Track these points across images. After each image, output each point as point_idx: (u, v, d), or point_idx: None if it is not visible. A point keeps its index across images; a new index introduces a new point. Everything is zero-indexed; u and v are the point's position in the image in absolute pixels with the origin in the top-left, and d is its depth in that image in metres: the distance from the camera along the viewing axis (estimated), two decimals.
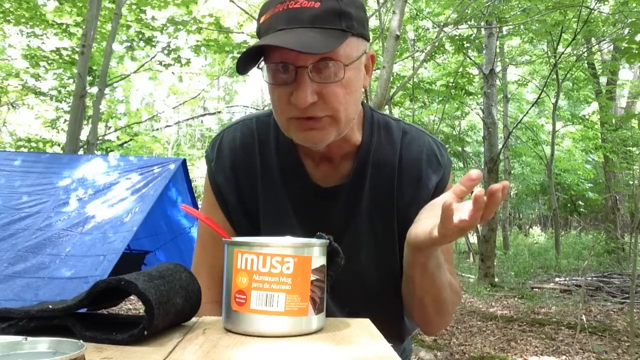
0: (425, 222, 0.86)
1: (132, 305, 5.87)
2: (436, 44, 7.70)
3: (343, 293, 0.99)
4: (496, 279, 8.37)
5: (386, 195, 1.01)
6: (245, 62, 0.87)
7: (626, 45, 4.73)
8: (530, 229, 22.19)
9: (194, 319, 0.81)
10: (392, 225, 1.02)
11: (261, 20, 0.89)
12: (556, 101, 10.80)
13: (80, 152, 6.98)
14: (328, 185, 1.02)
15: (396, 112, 12.75)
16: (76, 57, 8.28)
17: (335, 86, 0.87)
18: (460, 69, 9.27)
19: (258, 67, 0.90)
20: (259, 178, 1.03)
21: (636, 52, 4.62)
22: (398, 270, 1.02)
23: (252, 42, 9.38)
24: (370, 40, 0.95)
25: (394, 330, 1.10)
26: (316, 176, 1.02)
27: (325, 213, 1.01)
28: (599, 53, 12.21)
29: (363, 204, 1.01)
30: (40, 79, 10.29)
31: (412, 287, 0.97)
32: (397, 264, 1.03)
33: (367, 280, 1.02)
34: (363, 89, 0.96)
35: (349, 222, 1.01)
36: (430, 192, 1.01)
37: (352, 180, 1.01)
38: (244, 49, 0.86)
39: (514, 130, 11.17)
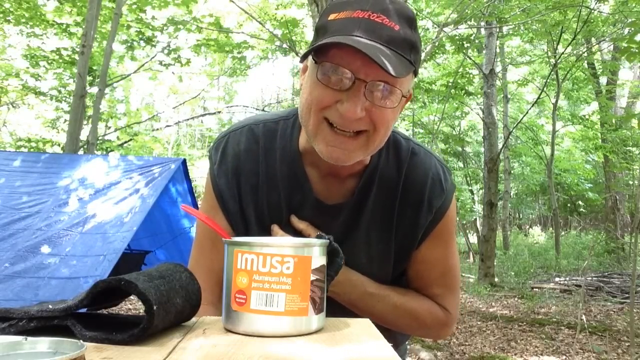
0: None
1: (132, 305, 5.87)
2: (436, 44, 7.70)
3: (335, 303, 0.99)
4: (496, 279, 8.37)
5: (386, 214, 1.01)
6: (310, 51, 0.86)
7: (626, 45, 4.73)
8: (530, 229, 22.17)
9: (194, 319, 0.81)
10: (389, 243, 1.02)
11: (331, 17, 0.87)
12: (556, 101, 10.80)
13: (80, 152, 6.98)
14: (330, 202, 1.01)
15: None
16: (76, 57, 8.29)
17: (385, 111, 0.87)
18: (460, 69, 9.27)
19: (315, 61, 0.87)
20: (261, 185, 1.02)
21: (636, 51, 4.62)
22: (389, 284, 1.05)
23: (252, 42, 9.38)
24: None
25: (391, 337, 1.11)
26: (319, 191, 1.01)
27: (324, 226, 1.01)
28: (599, 53, 12.20)
29: (363, 221, 1.01)
30: (40, 78, 10.29)
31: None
32: (387, 280, 1.05)
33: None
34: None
35: (346, 236, 1.01)
36: (430, 216, 1.01)
37: (356, 198, 1.01)
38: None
39: (514, 130, 11.17)
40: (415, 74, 0.92)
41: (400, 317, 1.04)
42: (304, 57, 0.88)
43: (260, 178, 1.02)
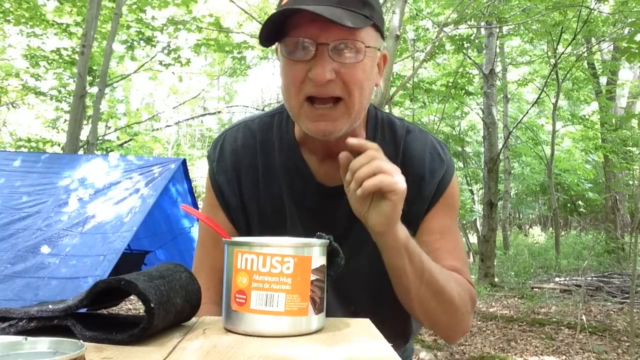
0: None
1: (132, 305, 5.87)
2: (436, 44, 7.70)
3: (347, 292, 0.99)
4: (496, 279, 8.37)
5: None
6: (268, 35, 0.88)
7: (626, 45, 4.73)
8: (530, 229, 22.17)
9: (194, 319, 0.81)
10: None
11: (284, 1, 0.90)
12: (556, 101, 10.79)
13: (80, 152, 6.98)
14: (332, 184, 1.01)
15: (396, 112, 12.76)
16: (76, 57, 8.28)
17: (354, 67, 0.88)
18: (460, 69, 9.27)
19: (278, 41, 0.90)
20: (261, 179, 1.03)
21: (636, 51, 4.61)
22: None
23: (252, 42, 9.37)
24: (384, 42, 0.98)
25: (400, 330, 1.10)
26: (320, 175, 1.02)
27: (329, 212, 1.01)
28: (599, 53, 12.20)
29: None
30: (40, 79, 10.29)
31: (405, 280, 0.92)
32: None
33: (370, 279, 1.02)
34: (375, 86, 0.97)
35: (352, 220, 1.00)
36: (433, 188, 1.01)
37: None
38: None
39: (514, 130, 11.16)
40: (380, 31, 0.94)
41: (447, 280, 0.95)
42: (262, 41, 0.90)
43: (260, 171, 1.03)
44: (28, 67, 10.15)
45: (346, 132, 0.93)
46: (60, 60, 9.44)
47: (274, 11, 0.89)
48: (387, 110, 8.54)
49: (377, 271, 1.00)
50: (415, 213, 1.02)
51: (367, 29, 0.89)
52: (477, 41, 8.65)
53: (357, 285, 1.01)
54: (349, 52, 0.87)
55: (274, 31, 0.88)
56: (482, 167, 10.04)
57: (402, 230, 0.89)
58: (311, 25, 0.85)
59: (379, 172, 0.81)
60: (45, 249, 4.01)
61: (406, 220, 1.00)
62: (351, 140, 0.86)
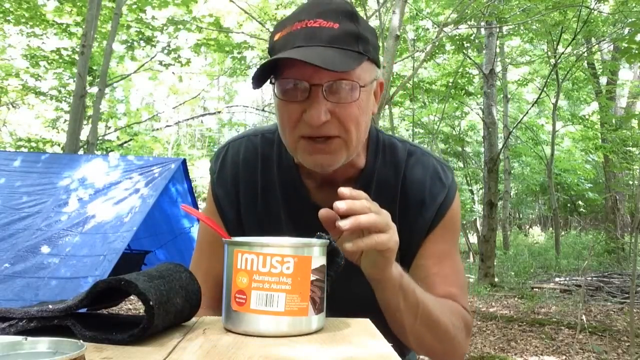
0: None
1: (132, 305, 5.87)
2: (436, 44, 7.70)
3: (341, 313, 0.98)
4: (496, 279, 8.36)
5: None
6: (260, 77, 0.87)
7: (626, 45, 4.73)
8: (530, 229, 22.16)
9: (194, 319, 0.81)
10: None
11: (276, 37, 0.89)
12: (556, 101, 10.79)
13: (80, 152, 6.98)
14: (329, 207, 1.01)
15: (396, 112, 12.77)
16: (76, 57, 8.28)
17: (349, 106, 0.87)
18: (460, 69, 9.27)
19: (271, 82, 0.89)
20: (259, 194, 1.04)
21: (636, 52, 4.62)
22: None
23: (252, 42, 9.38)
24: (381, 68, 0.97)
25: (395, 346, 1.09)
26: (317, 199, 1.01)
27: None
28: (599, 53, 12.20)
29: None
30: (40, 78, 10.29)
31: (399, 316, 0.92)
32: None
33: (365, 302, 0.97)
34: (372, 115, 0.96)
35: None
36: (433, 213, 1.01)
37: None
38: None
39: (514, 130, 11.16)
40: (376, 62, 0.92)
41: (442, 311, 0.94)
42: (254, 83, 0.89)
43: (259, 187, 1.04)
44: (28, 67, 10.15)
45: (345, 162, 0.93)
46: (60, 60, 9.44)
47: (267, 59, 0.87)
48: (387, 111, 8.55)
49: (371, 294, 0.97)
50: (415, 237, 1.01)
51: (362, 65, 0.87)
52: (477, 41, 8.65)
53: (351, 307, 1.00)
54: (344, 92, 0.86)
55: (266, 71, 0.87)
56: (482, 167, 10.04)
57: (395, 270, 0.87)
58: (304, 66, 0.83)
59: (373, 228, 0.77)
60: (45, 249, 4.01)
61: (406, 245, 0.99)
62: (343, 190, 0.79)
